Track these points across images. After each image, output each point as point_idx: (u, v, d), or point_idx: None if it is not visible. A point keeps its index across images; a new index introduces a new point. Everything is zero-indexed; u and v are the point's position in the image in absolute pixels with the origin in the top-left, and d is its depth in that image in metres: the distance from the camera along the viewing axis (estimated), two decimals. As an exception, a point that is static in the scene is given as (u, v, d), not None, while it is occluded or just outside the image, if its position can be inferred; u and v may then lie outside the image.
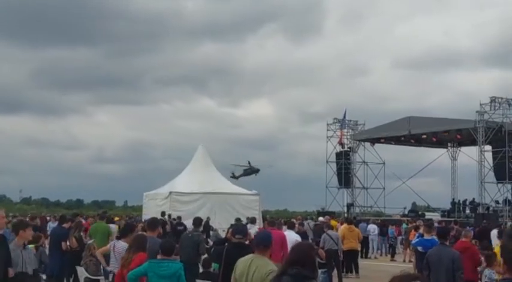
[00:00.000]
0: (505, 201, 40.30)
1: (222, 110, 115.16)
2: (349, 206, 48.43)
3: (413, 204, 55.37)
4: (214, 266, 12.16)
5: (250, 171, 51.66)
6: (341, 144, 49.05)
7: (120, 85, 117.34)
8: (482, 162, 40.27)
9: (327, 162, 49.16)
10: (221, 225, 24.86)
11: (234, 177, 51.06)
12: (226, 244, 9.91)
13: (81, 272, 12.83)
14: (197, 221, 14.12)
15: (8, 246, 9.13)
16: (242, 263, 6.53)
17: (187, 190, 28.77)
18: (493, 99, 39.66)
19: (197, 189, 28.74)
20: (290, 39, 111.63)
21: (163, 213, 25.17)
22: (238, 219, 21.92)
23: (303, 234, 17.41)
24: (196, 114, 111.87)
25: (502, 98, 39.66)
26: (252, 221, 20.48)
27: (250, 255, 6.60)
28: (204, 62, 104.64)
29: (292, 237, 13.81)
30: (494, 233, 20.29)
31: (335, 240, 17.19)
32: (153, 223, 11.03)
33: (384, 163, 49.51)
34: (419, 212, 45.86)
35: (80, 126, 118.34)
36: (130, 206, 76.86)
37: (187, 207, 27.88)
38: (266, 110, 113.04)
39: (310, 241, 18.01)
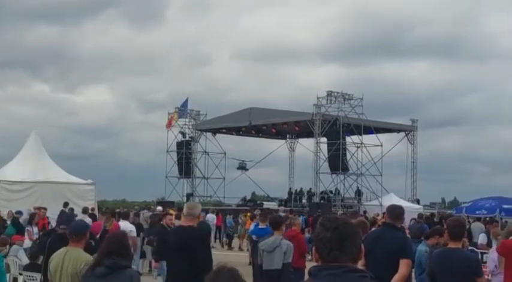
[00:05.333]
0: (337, 191, 42.30)
1: (58, 95, 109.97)
2: (189, 195, 48.36)
3: (253, 193, 56.63)
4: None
5: (240, 166, 50.79)
6: (182, 133, 48.81)
7: None
8: (318, 154, 41.94)
9: (168, 151, 48.78)
10: (53, 216, 23.68)
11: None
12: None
13: None
14: None
15: None
16: (56, 256, 6.21)
17: (18, 178, 27.17)
18: (329, 93, 41.36)
19: (28, 178, 27.21)
20: (132, 25, 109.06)
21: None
22: (69, 209, 21.01)
23: (138, 226, 16.95)
24: (29, 99, 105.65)
25: (337, 93, 41.46)
26: (84, 211, 19.70)
27: (64, 248, 6.30)
28: (39, 45, 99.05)
29: (126, 227, 13.48)
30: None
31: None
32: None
33: (224, 153, 50.02)
34: (258, 202, 46.82)
35: None
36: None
37: (17, 196, 26.35)
38: (105, 97, 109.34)
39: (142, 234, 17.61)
